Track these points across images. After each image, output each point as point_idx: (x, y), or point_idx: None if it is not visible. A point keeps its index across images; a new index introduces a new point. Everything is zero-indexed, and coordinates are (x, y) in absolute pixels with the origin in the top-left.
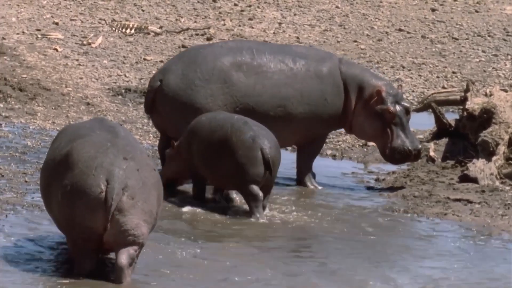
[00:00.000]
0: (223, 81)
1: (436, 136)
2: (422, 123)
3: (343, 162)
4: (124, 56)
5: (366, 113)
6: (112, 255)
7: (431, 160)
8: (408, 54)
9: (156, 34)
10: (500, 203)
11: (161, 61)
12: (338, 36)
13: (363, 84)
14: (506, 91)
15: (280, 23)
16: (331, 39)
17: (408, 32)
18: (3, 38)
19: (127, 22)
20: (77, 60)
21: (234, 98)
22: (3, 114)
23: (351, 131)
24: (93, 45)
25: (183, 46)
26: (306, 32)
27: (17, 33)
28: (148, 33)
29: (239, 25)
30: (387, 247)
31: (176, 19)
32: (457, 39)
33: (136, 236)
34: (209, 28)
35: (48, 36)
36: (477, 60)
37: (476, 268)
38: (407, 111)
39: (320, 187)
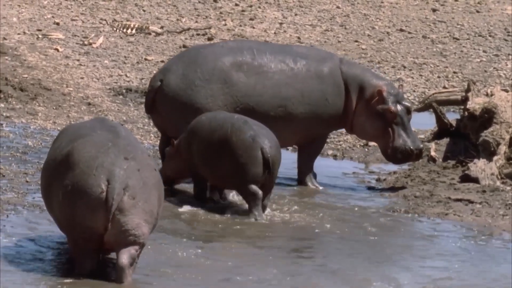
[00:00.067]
0: (223, 81)
1: (437, 136)
2: (423, 123)
3: (344, 162)
4: (125, 56)
5: (367, 113)
6: (113, 255)
7: (432, 160)
8: (409, 54)
9: (157, 34)
10: (501, 203)
11: (162, 61)
12: (339, 36)
13: (364, 84)
14: (507, 91)
15: (281, 23)
16: (332, 39)
17: (409, 32)
18: (4, 38)
19: (128, 22)
20: (78, 60)
21: (234, 98)
22: (4, 114)
23: (352, 131)
24: (94, 45)
25: (184, 46)
26: (307, 32)
27: (18, 33)
28: (149, 33)
29: (240, 25)
30: (388, 247)
31: (177, 19)
32: (458, 39)
33: (137, 236)
34: (210, 28)
35: (49, 36)
36: (478, 60)
37: (477, 268)
38: (408, 111)
39: (321, 187)
